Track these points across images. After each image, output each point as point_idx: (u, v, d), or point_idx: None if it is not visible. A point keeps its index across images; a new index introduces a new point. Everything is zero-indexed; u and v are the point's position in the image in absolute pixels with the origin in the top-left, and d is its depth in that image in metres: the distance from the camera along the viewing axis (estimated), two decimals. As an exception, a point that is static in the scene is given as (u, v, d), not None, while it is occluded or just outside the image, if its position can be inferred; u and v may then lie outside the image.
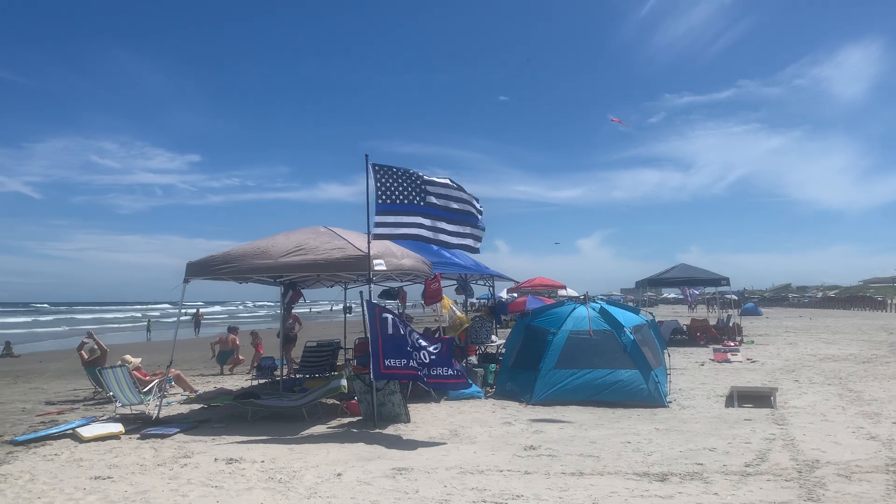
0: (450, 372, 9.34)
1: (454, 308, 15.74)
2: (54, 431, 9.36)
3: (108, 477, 7.05)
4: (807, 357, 18.52)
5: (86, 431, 9.06)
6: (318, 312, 73.69)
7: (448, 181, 10.34)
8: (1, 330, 46.36)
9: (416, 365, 9.26)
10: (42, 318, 70.08)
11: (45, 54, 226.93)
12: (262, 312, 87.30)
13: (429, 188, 10.09)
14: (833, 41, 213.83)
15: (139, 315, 57.52)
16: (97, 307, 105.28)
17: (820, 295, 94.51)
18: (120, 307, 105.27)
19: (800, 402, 11.04)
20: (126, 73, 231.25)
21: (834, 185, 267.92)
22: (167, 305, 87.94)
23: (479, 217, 10.60)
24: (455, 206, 10.31)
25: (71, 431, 9.26)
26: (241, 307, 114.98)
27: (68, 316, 74.80)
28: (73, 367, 15.81)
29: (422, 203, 9.99)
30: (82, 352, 13.69)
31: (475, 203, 10.60)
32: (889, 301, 64.71)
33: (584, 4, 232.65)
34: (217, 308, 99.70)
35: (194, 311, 42.71)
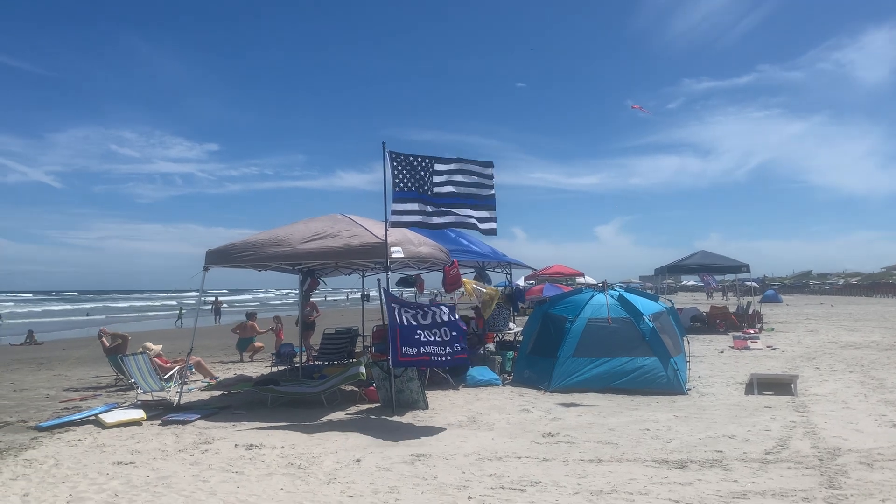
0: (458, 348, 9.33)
1: (478, 287, 15.66)
2: (77, 417, 9.48)
3: (131, 462, 7.14)
4: (828, 344, 18.33)
5: (108, 417, 9.18)
6: (336, 300, 73.78)
7: (466, 162, 10.21)
8: (49, 318, 47.25)
9: (432, 350, 9.27)
10: (85, 306, 70.92)
11: (64, 45, 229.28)
12: (292, 300, 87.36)
13: (442, 171, 9.99)
14: (856, 24, 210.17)
15: (174, 303, 58.22)
16: (127, 295, 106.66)
17: (841, 282, 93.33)
18: (151, 294, 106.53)
19: (821, 389, 10.94)
20: (145, 62, 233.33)
21: (856, 171, 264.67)
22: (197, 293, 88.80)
23: (492, 196, 10.36)
24: (473, 189, 10.20)
25: (94, 417, 9.38)
26: (271, 294, 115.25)
27: (102, 304, 75.63)
28: (95, 354, 15.98)
29: (435, 190, 9.94)
30: (104, 339, 13.83)
31: (489, 173, 10.36)
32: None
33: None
34: (247, 296, 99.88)
35: (213, 299, 43.00)
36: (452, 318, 9.34)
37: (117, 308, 66.49)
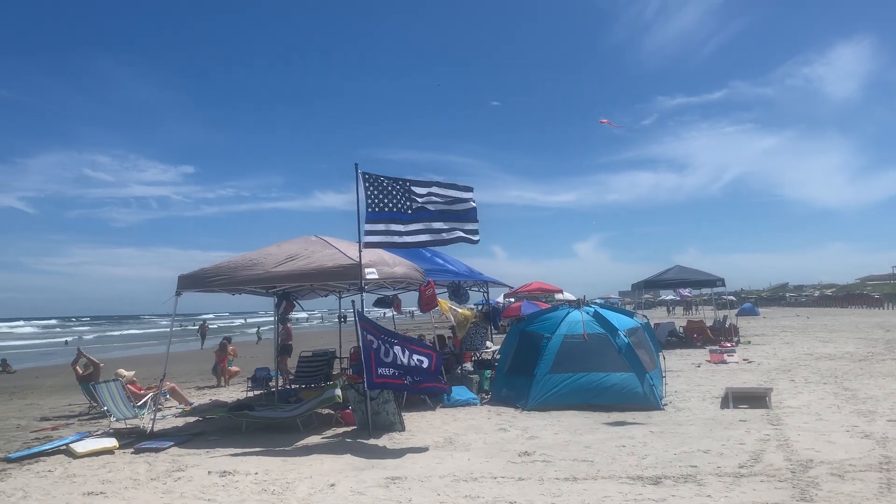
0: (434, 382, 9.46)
1: (454, 307, 15.65)
2: (48, 448, 9.32)
3: (101, 492, 7.02)
4: (803, 356, 18.51)
5: (79, 447, 9.03)
6: (311, 323, 71.89)
7: (437, 181, 10.25)
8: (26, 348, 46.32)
9: (406, 374, 9.27)
10: (112, 334, 69.41)
11: (36, 69, 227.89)
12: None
13: (418, 193, 10.03)
14: (824, 40, 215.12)
15: (192, 326, 56.71)
16: (111, 320, 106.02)
17: (817, 294, 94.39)
18: (134, 320, 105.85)
19: (795, 401, 11.03)
20: (117, 85, 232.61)
21: (829, 184, 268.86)
22: (210, 315, 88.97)
23: (473, 209, 10.35)
24: (446, 206, 10.18)
25: (65, 447, 9.23)
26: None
27: (131, 331, 73.96)
28: (69, 382, 15.74)
29: (411, 210, 9.96)
30: (77, 367, 13.65)
31: (468, 197, 10.37)
32: (886, 299, 64.84)
33: (575, 8, 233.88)
34: (259, 319, 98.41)
35: (201, 322, 42.57)
36: (423, 350, 9.46)
37: (134, 336, 64.42)
